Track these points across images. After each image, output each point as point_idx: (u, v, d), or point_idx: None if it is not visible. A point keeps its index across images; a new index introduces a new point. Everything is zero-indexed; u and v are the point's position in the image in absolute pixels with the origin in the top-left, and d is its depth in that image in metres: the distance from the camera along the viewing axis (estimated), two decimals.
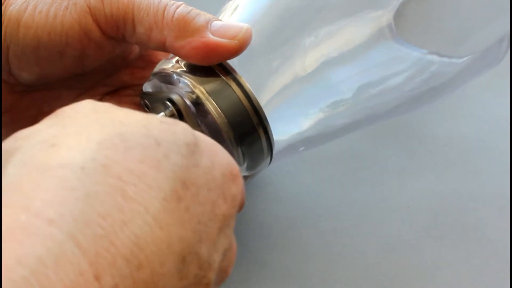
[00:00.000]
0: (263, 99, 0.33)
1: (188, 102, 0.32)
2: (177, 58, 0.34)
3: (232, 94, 0.32)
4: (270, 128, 0.33)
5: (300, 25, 0.35)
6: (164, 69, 0.34)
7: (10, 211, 0.21)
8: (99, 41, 0.34)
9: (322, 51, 0.35)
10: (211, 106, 0.32)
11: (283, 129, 0.35)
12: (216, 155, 0.27)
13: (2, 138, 0.37)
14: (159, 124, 0.25)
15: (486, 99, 0.49)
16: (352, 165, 0.45)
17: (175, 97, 0.33)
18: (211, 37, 0.32)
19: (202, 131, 0.33)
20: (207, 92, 0.32)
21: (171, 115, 0.33)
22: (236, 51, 0.32)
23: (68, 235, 0.21)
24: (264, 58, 0.34)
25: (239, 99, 0.33)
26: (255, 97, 0.33)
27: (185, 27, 0.32)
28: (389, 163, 0.45)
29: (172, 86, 0.33)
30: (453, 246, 0.40)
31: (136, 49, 0.38)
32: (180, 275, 0.24)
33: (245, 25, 0.33)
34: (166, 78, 0.34)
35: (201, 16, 0.33)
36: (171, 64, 0.34)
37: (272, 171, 0.44)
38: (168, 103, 0.33)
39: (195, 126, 0.33)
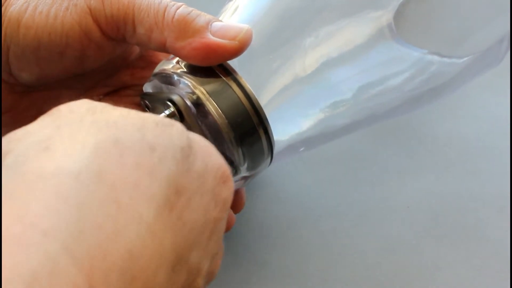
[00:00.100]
0: (263, 100, 0.33)
1: (188, 102, 0.32)
2: (177, 58, 0.34)
3: (232, 95, 0.32)
4: (270, 128, 0.33)
5: (300, 26, 0.35)
6: (165, 69, 0.34)
7: (4, 220, 0.21)
8: (100, 42, 0.34)
9: (322, 52, 0.35)
10: (211, 106, 0.32)
11: (283, 129, 0.35)
12: (209, 157, 0.27)
13: (2, 138, 0.37)
14: (154, 126, 0.25)
15: (486, 99, 0.49)
16: (352, 165, 0.45)
17: (175, 97, 0.33)
18: (212, 38, 0.32)
19: (202, 132, 0.33)
20: (207, 92, 0.32)
21: (172, 116, 0.33)
22: (236, 51, 0.32)
23: (63, 247, 0.21)
24: (264, 59, 0.34)
25: (240, 99, 0.33)
26: (256, 98, 0.33)
27: (185, 28, 0.32)
28: (389, 163, 0.45)
29: (172, 86, 0.33)
30: (453, 246, 0.41)
31: (136, 49, 0.38)
32: (170, 282, 0.24)
33: (245, 26, 0.33)
34: (167, 79, 0.34)
35: (202, 17, 0.33)
36: (172, 65, 0.34)
37: (273, 172, 0.44)
38: (168, 103, 0.33)
39: (196, 126, 0.33)
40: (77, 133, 0.24)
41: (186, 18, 0.32)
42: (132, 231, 0.22)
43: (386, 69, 0.37)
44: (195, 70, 0.33)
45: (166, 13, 0.32)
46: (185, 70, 0.33)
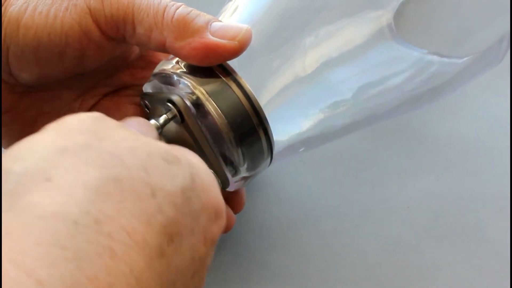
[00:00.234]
0: (263, 100, 0.33)
1: (188, 103, 0.32)
2: (177, 59, 0.34)
3: (232, 95, 0.32)
4: (270, 128, 0.33)
5: (300, 26, 0.35)
6: (164, 70, 0.34)
7: (3, 261, 0.21)
8: (99, 42, 0.34)
9: (322, 52, 0.35)
10: (211, 107, 0.32)
11: (283, 129, 0.35)
12: (207, 194, 0.27)
13: (2, 138, 0.37)
14: (160, 164, 0.25)
15: (486, 99, 0.49)
16: (352, 165, 0.45)
17: (175, 98, 0.33)
18: (211, 38, 0.32)
19: (202, 132, 0.33)
20: (207, 93, 0.32)
21: (173, 116, 0.33)
22: (236, 52, 0.32)
23: None
24: (264, 59, 0.34)
25: (239, 100, 0.33)
26: (255, 98, 0.33)
27: (185, 27, 0.32)
28: (389, 164, 0.45)
29: (172, 87, 0.33)
30: (453, 246, 0.40)
31: (136, 49, 0.38)
32: None
33: (245, 26, 0.33)
34: (166, 79, 0.33)
35: (201, 17, 0.33)
36: (171, 65, 0.34)
37: (273, 172, 0.44)
38: (168, 104, 0.33)
39: (195, 127, 0.33)
40: (81, 166, 0.24)
41: (185, 18, 0.32)
42: (124, 284, 0.23)
43: (386, 69, 0.37)
44: (194, 70, 0.33)
45: (165, 13, 0.32)
46: (185, 70, 0.33)
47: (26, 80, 0.35)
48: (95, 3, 0.33)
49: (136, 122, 0.30)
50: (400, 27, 0.36)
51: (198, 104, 0.32)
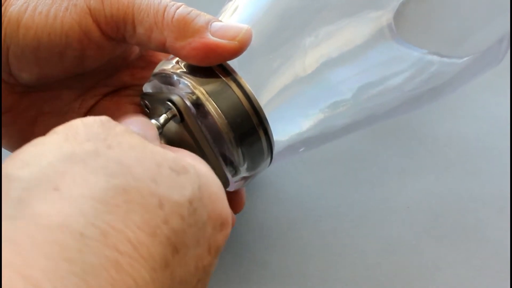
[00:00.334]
0: (263, 100, 0.33)
1: (188, 103, 0.32)
2: (177, 59, 0.34)
3: (232, 95, 0.32)
4: (270, 128, 0.33)
5: (300, 26, 0.35)
6: (164, 70, 0.34)
7: (8, 275, 0.21)
8: (99, 42, 0.34)
9: (322, 52, 0.35)
10: (211, 107, 0.32)
11: (283, 129, 0.35)
12: (214, 205, 0.27)
13: (2, 138, 0.37)
14: (169, 174, 0.25)
15: (486, 99, 0.49)
16: (352, 165, 0.45)
17: (175, 98, 0.33)
18: (211, 38, 0.32)
19: (202, 132, 0.33)
20: (207, 93, 0.32)
21: (173, 116, 0.33)
22: (236, 52, 0.32)
23: None
24: (264, 59, 0.34)
25: (239, 100, 0.33)
26: (255, 98, 0.33)
27: (185, 27, 0.32)
28: (389, 164, 0.45)
29: (172, 87, 0.33)
30: (453, 246, 0.40)
31: (136, 49, 0.38)
32: None
33: (245, 26, 0.33)
34: (166, 79, 0.33)
35: (201, 16, 0.33)
36: (171, 65, 0.34)
37: (273, 172, 0.44)
38: (168, 103, 0.33)
39: (195, 127, 0.33)
40: (89, 175, 0.24)
41: (185, 18, 0.32)
42: None
43: (386, 69, 0.37)
44: (194, 70, 0.33)
45: (165, 13, 0.32)
46: (185, 70, 0.33)
47: (26, 80, 0.35)
48: (95, 3, 0.33)
49: (139, 122, 0.30)
50: (400, 27, 0.36)
51: (198, 104, 0.32)
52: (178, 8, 0.33)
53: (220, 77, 0.33)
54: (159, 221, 0.24)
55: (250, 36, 0.33)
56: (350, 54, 0.36)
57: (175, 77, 0.33)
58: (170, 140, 0.34)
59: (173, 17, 0.32)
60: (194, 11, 0.33)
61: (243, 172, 0.34)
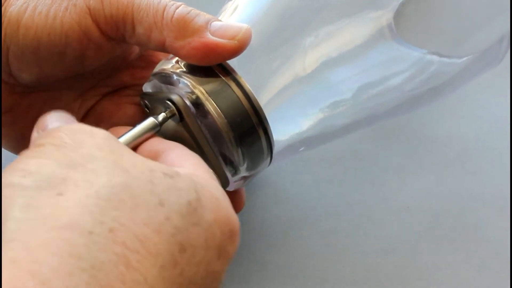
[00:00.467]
0: (263, 100, 0.33)
1: (188, 102, 0.32)
2: (177, 58, 0.34)
3: (231, 95, 0.32)
4: (270, 128, 0.33)
5: (300, 25, 0.35)
6: (164, 69, 0.34)
7: (17, 273, 0.21)
8: (99, 42, 0.34)
9: (322, 51, 0.35)
10: (211, 106, 0.32)
11: (283, 129, 0.35)
12: (218, 210, 0.27)
13: (2, 138, 0.37)
14: (163, 178, 0.26)
15: (486, 99, 0.49)
16: (352, 165, 0.45)
17: (175, 97, 0.33)
18: (211, 38, 0.32)
19: (202, 132, 0.33)
20: (206, 92, 0.32)
21: (172, 115, 0.33)
22: (235, 51, 0.32)
23: None
24: (264, 58, 0.34)
25: (239, 99, 0.33)
26: (255, 98, 0.33)
27: (184, 27, 0.32)
28: (389, 164, 0.45)
29: (172, 86, 0.33)
30: (453, 246, 0.40)
31: (136, 49, 0.38)
32: None
33: (244, 25, 0.33)
34: (166, 79, 0.33)
35: (201, 16, 0.33)
36: (171, 65, 0.34)
37: (272, 172, 0.44)
38: (168, 103, 0.33)
39: (195, 126, 0.33)
40: (90, 176, 0.24)
41: (185, 17, 0.32)
42: None
43: (386, 69, 0.37)
44: (194, 70, 0.33)
45: (165, 13, 0.32)
46: (185, 69, 0.33)
47: (26, 80, 0.35)
48: (95, 3, 0.33)
49: (58, 116, 0.30)
50: (400, 27, 0.36)
51: (197, 103, 0.32)
52: (177, 7, 0.33)
53: (220, 77, 0.33)
54: (162, 218, 0.25)
55: (249, 35, 0.33)
56: (350, 54, 0.36)
57: (175, 77, 0.33)
58: (170, 140, 0.34)
59: (172, 16, 0.32)
60: (194, 11, 0.33)
61: (243, 172, 0.34)
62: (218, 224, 0.27)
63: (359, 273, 0.39)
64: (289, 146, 0.36)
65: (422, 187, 0.43)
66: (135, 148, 0.31)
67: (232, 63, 0.33)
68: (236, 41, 0.32)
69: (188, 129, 0.33)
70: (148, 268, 0.23)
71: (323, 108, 0.36)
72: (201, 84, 0.32)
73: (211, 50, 0.32)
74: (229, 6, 0.35)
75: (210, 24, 0.32)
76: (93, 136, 0.26)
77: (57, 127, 0.27)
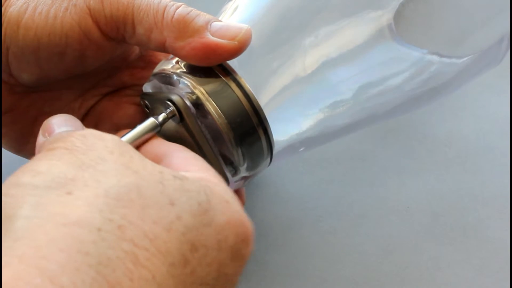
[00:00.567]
0: (263, 100, 0.33)
1: (188, 102, 0.32)
2: (177, 58, 0.34)
3: (232, 95, 0.32)
4: (270, 128, 0.33)
5: (300, 26, 0.35)
6: (164, 69, 0.34)
7: (24, 269, 0.21)
8: (99, 42, 0.34)
9: (322, 52, 0.35)
10: (211, 106, 0.32)
11: (283, 129, 0.35)
12: (230, 212, 0.27)
13: (2, 138, 0.37)
14: (173, 180, 0.26)
15: (486, 99, 0.49)
16: (352, 165, 0.45)
17: (175, 97, 0.33)
18: (211, 38, 0.32)
19: (202, 132, 0.33)
20: (207, 92, 0.32)
21: (172, 115, 0.33)
22: (235, 51, 0.32)
23: None
24: (264, 59, 0.34)
25: (239, 99, 0.33)
26: (255, 98, 0.33)
27: (184, 27, 0.32)
28: (389, 163, 0.45)
29: (172, 86, 0.33)
30: (453, 246, 0.40)
31: (136, 49, 0.38)
32: None
33: (244, 26, 0.33)
34: (166, 79, 0.34)
35: (201, 16, 0.33)
36: (171, 65, 0.34)
37: (272, 172, 0.44)
38: (168, 103, 0.33)
39: (195, 126, 0.33)
40: (100, 178, 0.24)
41: (185, 18, 0.32)
42: None
43: (386, 69, 0.37)
44: (194, 70, 0.33)
45: (165, 13, 0.32)
46: (185, 70, 0.33)
47: (26, 81, 0.35)
48: (95, 3, 0.33)
49: (68, 120, 0.30)
50: (400, 27, 0.36)
51: (198, 103, 0.32)
52: (177, 8, 0.33)
53: (220, 77, 0.33)
54: (173, 217, 0.25)
55: (249, 36, 0.33)
56: (350, 54, 0.36)
57: (175, 77, 0.33)
58: (170, 140, 0.34)
59: (172, 17, 0.32)
60: (194, 11, 0.33)
61: (243, 172, 0.34)
62: (231, 226, 0.27)
63: (359, 273, 0.39)
64: (289, 146, 0.36)
65: (422, 187, 0.44)
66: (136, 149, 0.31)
67: (233, 63, 0.33)
68: (236, 42, 0.32)
69: (188, 129, 0.33)
70: (157, 266, 0.23)
71: (323, 108, 0.36)
72: (201, 84, 0.32)
73: (211, 50, 0.32)
74: (229, 7, 0.35)
75: (210, 24, 0.32)
76: (103, 140, 0.26)
77: (68, 132, 0.27)
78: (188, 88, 0.33)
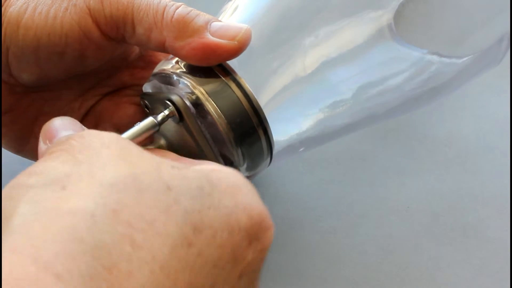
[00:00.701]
0: (263, 100, 0.33)
1: (188, 102, 0.32)
2: (177, 58, 0.34)
3: (231, 95, 0.32)
4: (270, 128, 0.33)
5: (300, 26, 0.35)
6: (164, 69, 0.34)
7: (18, 259, 0.21)
8: (99, 42, 0.34)
9: (322, 52, 0.35)
10: (210, 106, 0.32)
11: (283, 129, 0.35)
12: (240, 196, 0.26)
13: (2, 138, 0.37)
14: (170, 169, 0.25)
15: (486, 99, 0.49)
16: (352, 165, 0.45)
17: (174, 97, 0.33)
18: (211, 38, 0.32)
19: (202, 132, 0.33)
20: (206, 93, 0.32)
21: (172, 115, 0.33)
22: (235, 51, 0.32)
23: None
24: (264, 59, 0.34)
25: (239, 99, 0.33)
26: (255, 98, 0.33)
27: (184, 27, 0.32)
28: (389, 163, 0.45)
29: (172, 86, 0.33)
30: (453, 246, 0.40)
31: (136, 49, 0.38)
32: None
33: (244, 26, 0.33)
34: (166, 79, 0.34)
35: (201, 16, 0.33)
36: (171, 65, 0.34)
37: (272, 172, 0.44)
38: (168, 103, 0.33)
39: (195, 126, 0.33)
40: (95, 171, 0.24)
41: (185, 18, 0.32)
42: (145, 271, 0.23)
43: (386, 69, 0.37)
44: (194, 70, 0.33)
45: (165, 13, 0.32)
46: (185, 70, 0.33)
47: (26, 81, 0.35)
48: (95, 3, 0.33)
49: (69, 123, 0.30)
50: (400, 27, 0.36)
51: (197, 104, 0.32)
52: (177, 8, 0.33)
53: (220, 77, 0.33)
54: (171, 201, 0.24)
55: (249, 36, 0.33)
56: (350, 54, 0.36)
57: (175, 77, 0.33)
58: (170, 140, 0.34)
59: (172, 17, 0.32)
60: (194, 11, 0.33)
61: (243, 172, 0.34)
62: (242, 208, 0.26)
63: (359, 273, 0.39)
64: (289, 146, 0.36)
65: (422, 187, 0.43)
66: None
67: (232, 63, 0.33)
68: (236, 42, 0.32)
69: (188, 129, 0.33)
70: (157, 247, 0.23)
71: (323, 108, 0.36)
72: (201, 84, 0.32)
73: (211, 50, 0.32)
74: (229, 7, 0.35)
75: (210, 24, 0.32)
76: (100, 137, 0.26)
77: (67, 136, 0.27)
78: (188, 88, 0.33)
